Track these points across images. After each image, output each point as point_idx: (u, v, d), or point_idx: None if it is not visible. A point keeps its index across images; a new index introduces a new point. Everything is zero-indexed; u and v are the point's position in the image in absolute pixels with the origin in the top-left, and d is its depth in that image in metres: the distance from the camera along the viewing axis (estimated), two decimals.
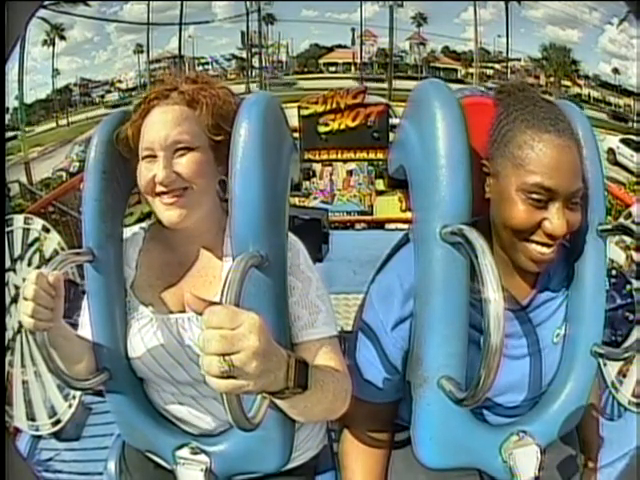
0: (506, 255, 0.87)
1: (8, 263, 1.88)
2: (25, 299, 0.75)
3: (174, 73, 0.93)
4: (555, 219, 0.78)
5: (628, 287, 1.79)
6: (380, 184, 5.44)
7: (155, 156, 0.84)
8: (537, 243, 0.81)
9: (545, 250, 0.81)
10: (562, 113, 0.83)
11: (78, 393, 1.82)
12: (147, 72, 14.97)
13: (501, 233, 0.84)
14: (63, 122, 14.75)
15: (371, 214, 5.33)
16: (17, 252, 1.92)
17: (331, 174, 5.57)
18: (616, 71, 13.82)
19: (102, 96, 15.27)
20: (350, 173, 5.66)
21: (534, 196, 0.78)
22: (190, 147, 0.85)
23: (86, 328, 0.93)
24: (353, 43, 16.07)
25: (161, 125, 0.85)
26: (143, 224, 0.99)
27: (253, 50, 15.91)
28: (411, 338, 0.86)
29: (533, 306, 0.91)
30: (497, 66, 15.24)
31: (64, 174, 12.02)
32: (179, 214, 0.84)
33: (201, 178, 0.85)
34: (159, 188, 0.84)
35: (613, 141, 12.10)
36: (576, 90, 14.44)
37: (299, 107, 4.05)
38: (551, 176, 0.77)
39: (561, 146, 0.78)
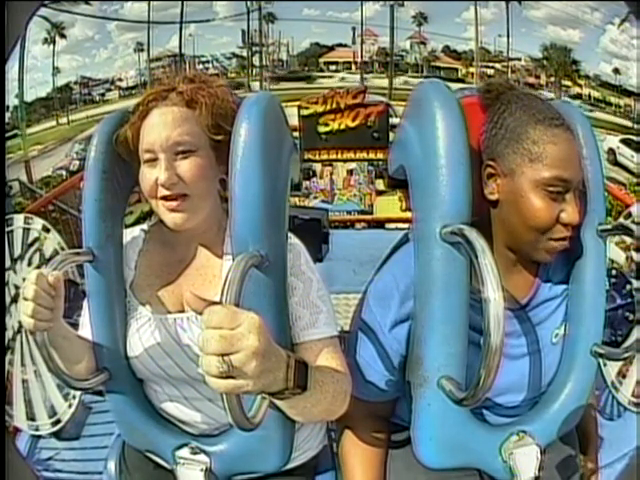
0: (517, 253, 0.87)
1: (8, 263, 1.88)
2: (25, 299, 0.75)
3: (171, 73, 0.92)
4: (570, 209, 0.81)
5: (628, 287, 1.79)
6: (380, 184, 5.45)
7: (156, 158, 0.84)
8: (557, 236, 0.82)
9: (564, 240, 0.83)
10: (553, 106, 0.86)
11: (78, 393, 1.82)
12: (148, 70, 14.97)
13: (519, 233, 0.84)
14: (63, 120, 14.74)
15: (371, 214, 5.34)
16: (17, 252, 1.92)
17: (331, 174, 5.57)
18: (617, 71, 13.80)
19: (102, 94, 15.27)
20: (350, 172, 5.66)
21: (551, 189, 0.80)
22: (191, 149, 0.85)
23: (86, 328, 0.93)
24: (354, 42, 16.05)
25: (161, 127, 0.84)
26: (144, 226, 0.99)
27: (254, 49, 15.90)
28: (410, 339, 0.86)
29: (532, 305, 0.91)
30: (498, 66, 15.21)
31: (64, 172, 12.03)
32: (182, 217, 0.85)
33: (203, 182, 0.85)
34: (162, 191, 0.84)
35: (613, 141, 12.08)
36: (576, 90, 14.43)
37: (299, 107, 4.05)
38: (566, 168, 0.81)
39: (568, 139, 0.82)
